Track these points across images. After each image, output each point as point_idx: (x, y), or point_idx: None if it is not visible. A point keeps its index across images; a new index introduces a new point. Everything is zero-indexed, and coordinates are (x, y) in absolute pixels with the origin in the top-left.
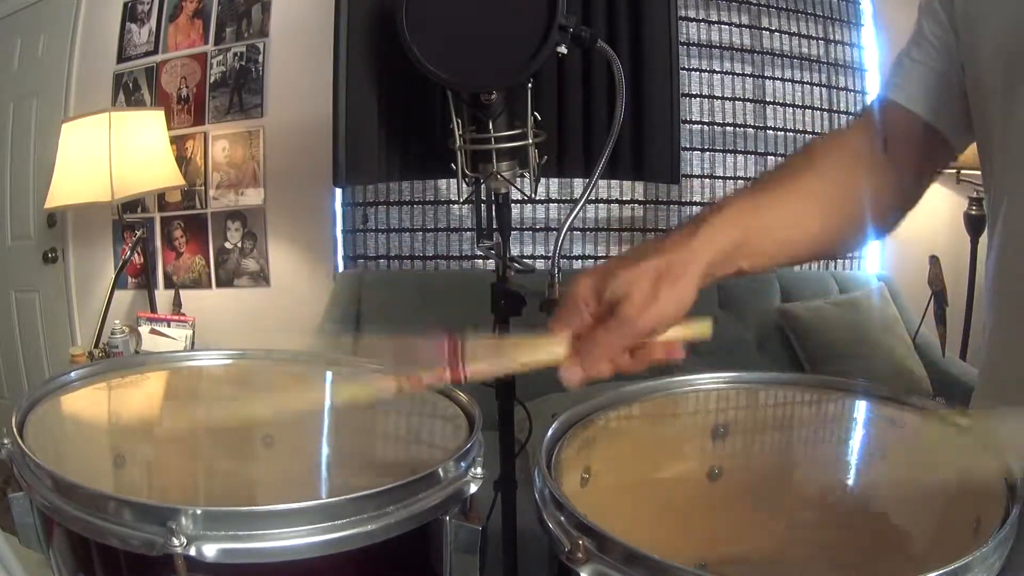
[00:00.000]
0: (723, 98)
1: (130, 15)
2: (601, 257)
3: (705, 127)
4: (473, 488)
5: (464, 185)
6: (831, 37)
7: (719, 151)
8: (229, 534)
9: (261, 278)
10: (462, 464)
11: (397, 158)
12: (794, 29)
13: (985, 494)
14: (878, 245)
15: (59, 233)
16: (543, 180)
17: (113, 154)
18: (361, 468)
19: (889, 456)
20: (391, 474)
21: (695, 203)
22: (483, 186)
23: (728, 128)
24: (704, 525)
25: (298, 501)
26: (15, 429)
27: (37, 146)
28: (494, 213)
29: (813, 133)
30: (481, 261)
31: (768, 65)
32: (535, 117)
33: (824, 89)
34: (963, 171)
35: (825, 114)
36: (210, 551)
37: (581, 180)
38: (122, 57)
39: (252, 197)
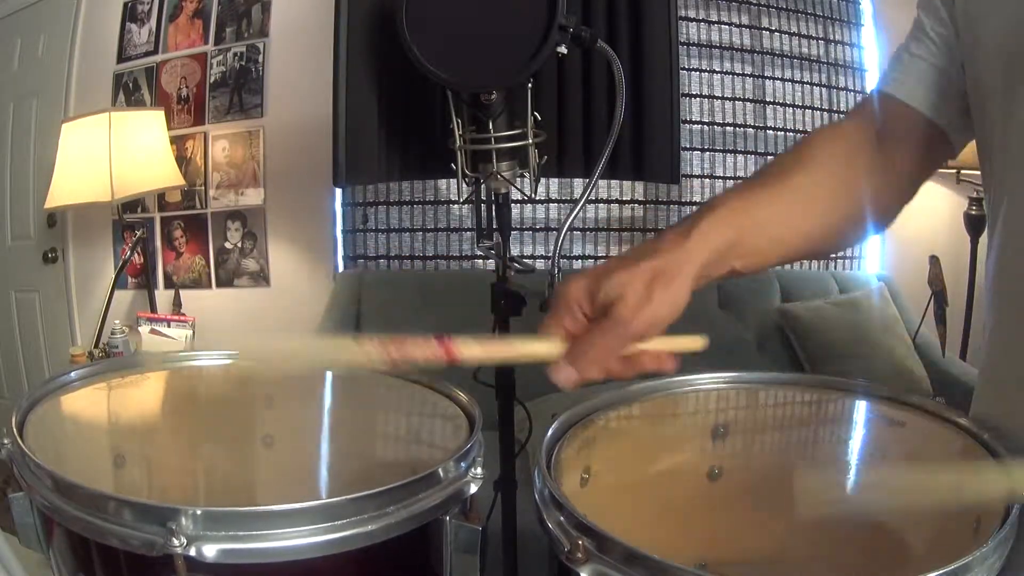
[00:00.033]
0: (723, 98)
1: (130, 15)
2: (601, 257)
3: (705, 127)
4: (473, 488)
5: (464, 185)
6: (831, 37)
7: (719, 151)
8: (229, 534)
9: (261, 278)
10: (462, 464)
11: (397, 158)
12: (794, 29)
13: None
14: (878, 245)
15: (59, 233)
16: (543, 180)
17: (113, 154)
18: (361, 468)
19: (889, 456)
20: (391, 474)
21: (695, 203)
22: (483, 186)
23: (728, 128)
24: (704, 525)
25: (298, 501)
26: (15, 429)
27: (37, 146)
28: (494, 213)
29: None
30: (481, 261)
31: (768, 65)
32: (535, 117)
33: (824, 89)
34: (963, 171)
35: (825, 114)
36: (210, 551)
37: (581, 180)
38: (122, 57)
39: (252, 197)
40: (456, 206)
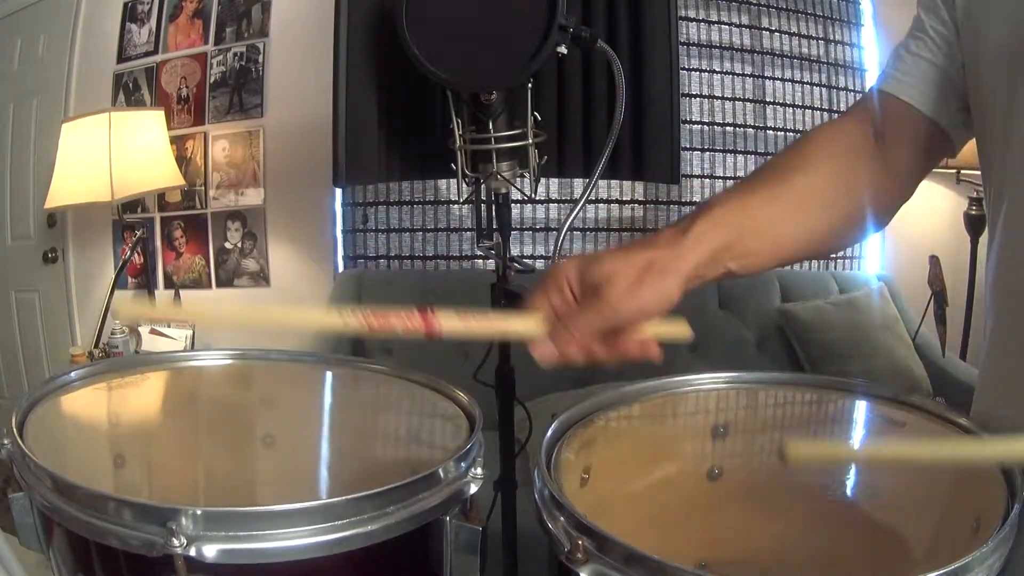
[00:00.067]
0: (723, 98)
1: (130, 15)
2: None
3: (705, 127)
4: (473, 488)
5: (464, 185)
6: (831, 37)
7: (719, 151)
8: (229, 534)
9: (261, 278)
10: (462, 464)
11: (397, 158)
12: (794, 29)
13: (985, 494)
14: (878, 245)
15: (59, 233)
16: (543, 180)
17: (113, 154)
18: (361, 468)
19: None
20: (391, 474)
21: (695, 203)
22: (483, 186)
23: (728, 128)
24: (704, 525)
25: (298, 501)
26: (15, 429)
27: (37, 146)
28: (494, 213)
29: None
30: (481, 261)
31: (768, 65)
32: (535, 117)
33: (824, 89)
34: (963, 171)
35: (825, 114)
36: (210, 551)
37: (581, 180)
38: (122, 57)
39: (252, 197)
40: (456, 206)
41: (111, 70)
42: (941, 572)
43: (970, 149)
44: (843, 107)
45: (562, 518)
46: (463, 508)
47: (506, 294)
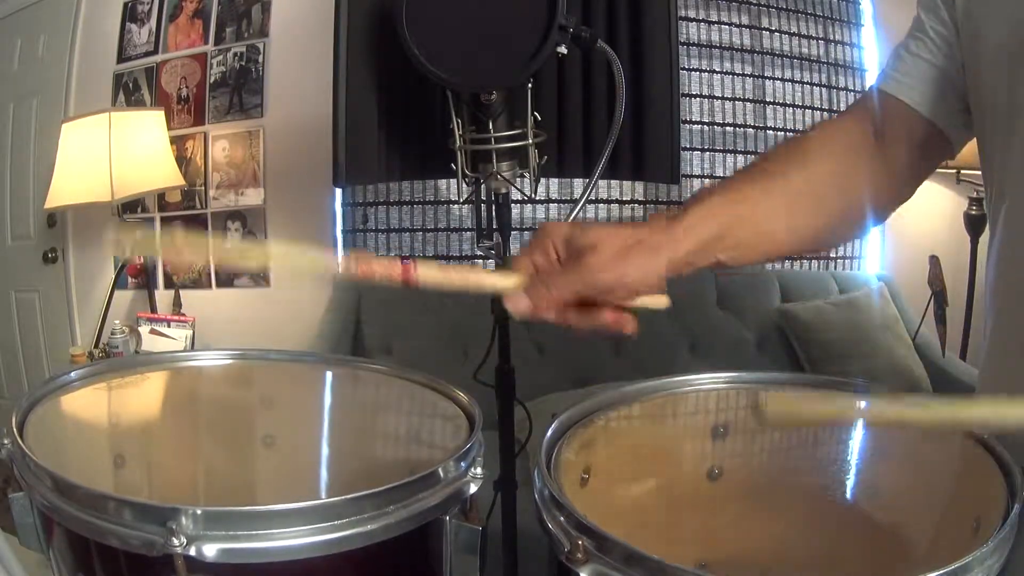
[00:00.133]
0: (723, 98)
1: (130, 15)
2: None
3: (705, 127)
4: (473, 488)
5: (464, 185)
6: (831, 37)
7: (719, 151)
8: (229, 534)
9: (261, 278)
10: (462, 464)
11: (397, 158)
12: (794, 29)
13: (985, 494)
14: (878, 245)
15: (59, 233)
16: (543, 180)
17: (113, 154)
18: (361, 468)
19: (889, 456)
20: (391, 474)
21: None
22: (483, 186)
23: (728, 128)
24: (704, 525)
25: (298, 501)
26: (15, 429)
27: (37, 146)
28: (494, 213)
29: None
30: (481, 261)
31: (768, 65)
32: (535, 117)
33: (824, 89)
34: (963, 171)
35: (825, 114)
36: (210, 551)
37: (581, 180)
38: (122, 57)
39: (252, 197)
40: (456, 206)
41: (111, 70)
42: (941, 572)
43: (970, 149)
44: (843, 107)
45: (562, 518)
46: (463, 508)
47: None
